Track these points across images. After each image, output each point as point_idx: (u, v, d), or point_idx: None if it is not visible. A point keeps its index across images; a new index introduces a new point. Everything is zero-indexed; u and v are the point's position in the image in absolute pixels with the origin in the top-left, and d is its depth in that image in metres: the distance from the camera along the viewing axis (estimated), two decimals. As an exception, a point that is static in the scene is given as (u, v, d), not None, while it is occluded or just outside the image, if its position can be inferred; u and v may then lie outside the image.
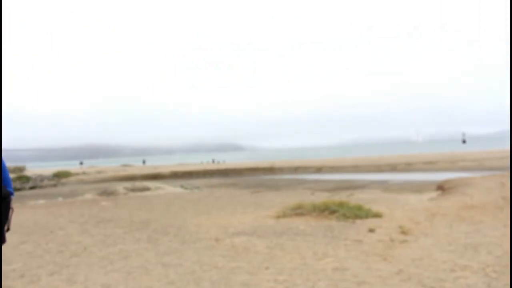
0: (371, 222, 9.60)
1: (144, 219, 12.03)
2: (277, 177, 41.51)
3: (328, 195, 16.81)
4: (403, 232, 8.36)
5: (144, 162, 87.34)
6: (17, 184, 47.80)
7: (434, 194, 16.40)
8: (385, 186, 24.72)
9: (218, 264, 6.67)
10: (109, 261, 7.18)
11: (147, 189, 22.68)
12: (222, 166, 59.58)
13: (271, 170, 49.01)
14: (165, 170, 59.53)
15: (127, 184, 24.33)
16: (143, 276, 6.23)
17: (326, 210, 10.62)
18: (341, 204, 10.96)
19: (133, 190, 22.36)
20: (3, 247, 8.84)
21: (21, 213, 14.91)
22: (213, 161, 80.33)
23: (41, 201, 21.46)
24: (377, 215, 10.45)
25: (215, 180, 41.06)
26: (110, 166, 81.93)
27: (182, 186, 29.19)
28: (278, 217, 10.82)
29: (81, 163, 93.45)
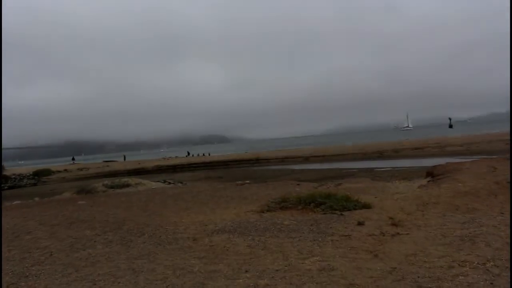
0: (360, 214, 9.12)
1: (120, 218, 11.41)
2: (263, 168, 41.04)
3: (315, 185, 16.34)
4: (394, 224, 7.89)
5: (124, 158, 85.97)
6: (-5, 185, 46.71)
7: (424, 181, 15.99)
8: (373, 174, 24.38)
9: (194, 268, 6.11)
10: (75, 269, 6.59)
11: (127, 185, 21.93)
12: (207, 159, 58.93)
13: (257, 161, 48.52)
14: (149, 164, 58.70)
15: (107, 181, 23.55)
16: (109, 285, 5.65)
17: (312, 203, 10.11)
18: (328, 196, 10.47)
19: (113, 187, 21.59)
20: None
21: (-10, 216, 14.17)
22: (188, 154, 79.36)
23: (16, 202, 20.65)
24: (366, 206, 9.98)
25: (200, 173, 40.46)
26: (93, 162, 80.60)
27: (164, 181, 28.49)
28: (261, 211, 10.30)
29: (73, 159, 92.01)
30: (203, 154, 75.54)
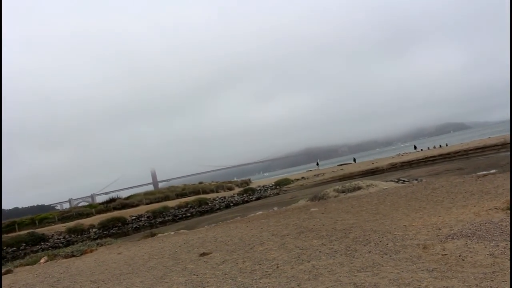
0: None
1: (347, 225, 11.18)
2: (514, 153, 35.79)
3: None
4: None
5: (354, 160, 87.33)
6: (245, 197, 52.66)
7: None
8: None
9: (422, 283, 5.37)
10: (297, 282, 6.55)
11: (358, 188, 21.75)
12: (445, 150, 54.80)
13: (503, 146, 42.72)
14: (382, 163, 57.79)
15: (338, 186, 23.86)
16: (328, 303, 5.38)
17: None
18: None
19: (344, 191, 21.71)
20: (205, 268, 9.13)
21: (234, 228, 15.69)
22: (415, 149, 74.87)
23: (258, 213, 22.53)
24: None
25: (438, 167, 37.69)
26: (328, 167, 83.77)
27: (398, 180, 27.41)
28: (508, 208, 8.68)
29: (317, 164, 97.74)
30: (440, 146, 70.72)
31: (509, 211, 8.41)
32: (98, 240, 21.94)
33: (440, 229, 8.30)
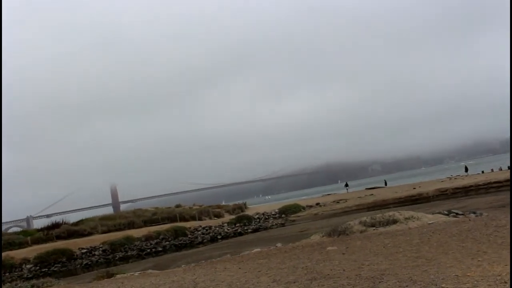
0: None
1: (377, 271, 11.17)
2: None
3: None
4: None
5: (385, 183, 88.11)
6: (237, 228, 52.56)
7: None
8: None
9: None
10: None
11: (394, 221, 21.71)
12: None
13: None
14: (427, 188, 58.02)
15: (366, 217, 23.86)
16: None
17: None
18: None
19: (373, 225, 21.68)
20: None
21: (222, 270, 15.69)
22: (466, 170, 74.86)
23: (255, 250, 22.52)
24: None
25: (504, 196, 37.74)
26: (353, 191, 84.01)
27: (449, 212, 27.40)
28: None
29: (346, 185, 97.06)
30: (508, 168, 70.77)
31: None
32: (34, 281, 21.94)
33: (505, 282, 8.29)
